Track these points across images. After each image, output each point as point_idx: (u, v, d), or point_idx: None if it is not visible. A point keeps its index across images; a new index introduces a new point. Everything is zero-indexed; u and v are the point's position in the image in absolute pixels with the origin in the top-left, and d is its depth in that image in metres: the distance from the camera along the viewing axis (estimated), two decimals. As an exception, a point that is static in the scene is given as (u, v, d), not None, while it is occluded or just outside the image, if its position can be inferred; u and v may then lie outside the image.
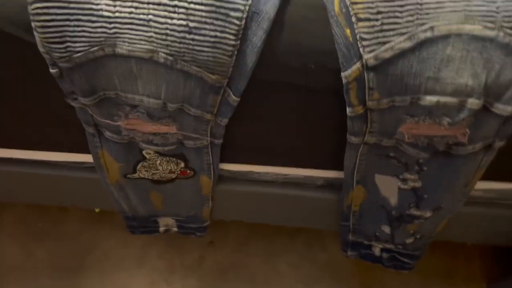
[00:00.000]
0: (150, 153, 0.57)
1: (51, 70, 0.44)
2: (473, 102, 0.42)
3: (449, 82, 0.42)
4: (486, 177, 0.54)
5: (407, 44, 0.40)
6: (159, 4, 0.40)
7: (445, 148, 0.49)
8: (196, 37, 0.41)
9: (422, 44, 0.40)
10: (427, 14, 0.40)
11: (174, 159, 0.58)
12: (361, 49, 0.41)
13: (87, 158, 0.60)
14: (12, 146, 0.63)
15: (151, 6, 0.40)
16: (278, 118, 0.53)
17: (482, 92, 0.42)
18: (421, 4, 0.40)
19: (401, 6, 0.40)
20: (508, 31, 0.39)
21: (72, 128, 0.55)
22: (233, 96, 0.47)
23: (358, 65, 0.42)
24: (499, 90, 0.42)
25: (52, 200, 0.76)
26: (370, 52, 0.41)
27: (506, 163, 0.53)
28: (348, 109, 0.46)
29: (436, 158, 0.51)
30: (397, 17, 0.40)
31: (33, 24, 0.41)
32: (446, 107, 0.43)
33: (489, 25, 0.39)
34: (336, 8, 0.41)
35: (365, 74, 0.42)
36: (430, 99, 0.43)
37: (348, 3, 0.40)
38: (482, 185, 0.60)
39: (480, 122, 0.45)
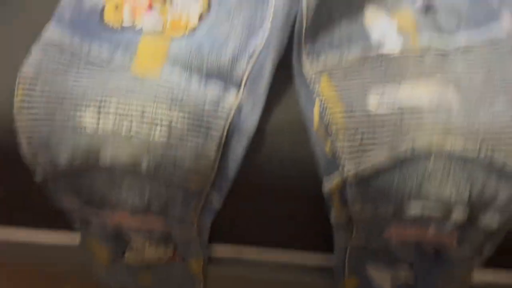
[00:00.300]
0: (138, 242, 0.57)
1: (36, 179, 0.45)
2: (458, 216, 0.42)
3: (432, 196, 0.41)
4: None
5: (388, 162, 0.40)
6: (141, 121, 0.41)
7: (434, 252, 0.48)
8: (178, 153, 0.41)
9: (403, 161, 0.40)
10: (407, 131, 0.40)
11: (163, 246, 0.58)
12: (340, 166, 0.41)
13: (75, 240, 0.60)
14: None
15: (133, 123, 0.41)
16: (264, 215, 0.52)
17: (467, 205, 0.41)
18: (401, 121, 0.40)
19: (381, 123, 0.40)
20: (489, 149, 0.39)
21: (60, 214, 0.55)
22: (216, 200, 0.47)
23: (338, 179, 0.42)
24: (482, 206, 0.41)
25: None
26: (349, 168, 0.40)
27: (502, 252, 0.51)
28: (331, 217, 0.45)
29: (427, 258, 0.50)
30: (377, 134, 0.40)
31: (19, 137, 0.42)
32: (430, 219, 0.42)
33: (470, 142, 0.39)
34: (316, 124, 0.41)
35: (346, 187, 0.42)
36: (413, 211, 0.42)
37: (327, 120, 0.40)
38: (479, 275, 0.58)
39: (467, 232, 0.44)
